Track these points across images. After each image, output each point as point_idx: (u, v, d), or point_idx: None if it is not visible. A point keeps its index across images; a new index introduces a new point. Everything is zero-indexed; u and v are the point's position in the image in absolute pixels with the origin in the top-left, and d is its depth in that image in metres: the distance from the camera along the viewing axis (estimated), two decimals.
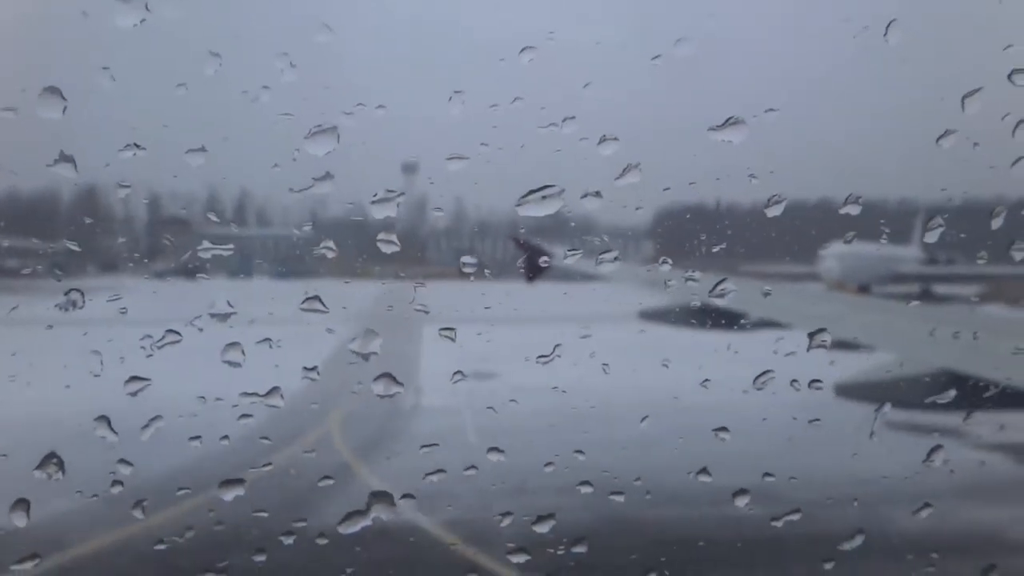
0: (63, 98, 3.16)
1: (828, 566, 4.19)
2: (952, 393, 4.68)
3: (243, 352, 3.70)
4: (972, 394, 5.09)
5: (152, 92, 3.75)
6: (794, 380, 4.66)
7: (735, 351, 6.15)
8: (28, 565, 3.52)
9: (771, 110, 3.94)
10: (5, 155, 3.53)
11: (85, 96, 3.25)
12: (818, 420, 5.34)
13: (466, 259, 4.05)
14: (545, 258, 5.37)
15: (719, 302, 4.40)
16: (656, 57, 3.90)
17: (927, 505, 4.35)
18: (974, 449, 10.98)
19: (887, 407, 4.64)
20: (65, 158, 3.29)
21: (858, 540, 4.06)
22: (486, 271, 4.38)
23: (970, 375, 5.76)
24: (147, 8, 3.12)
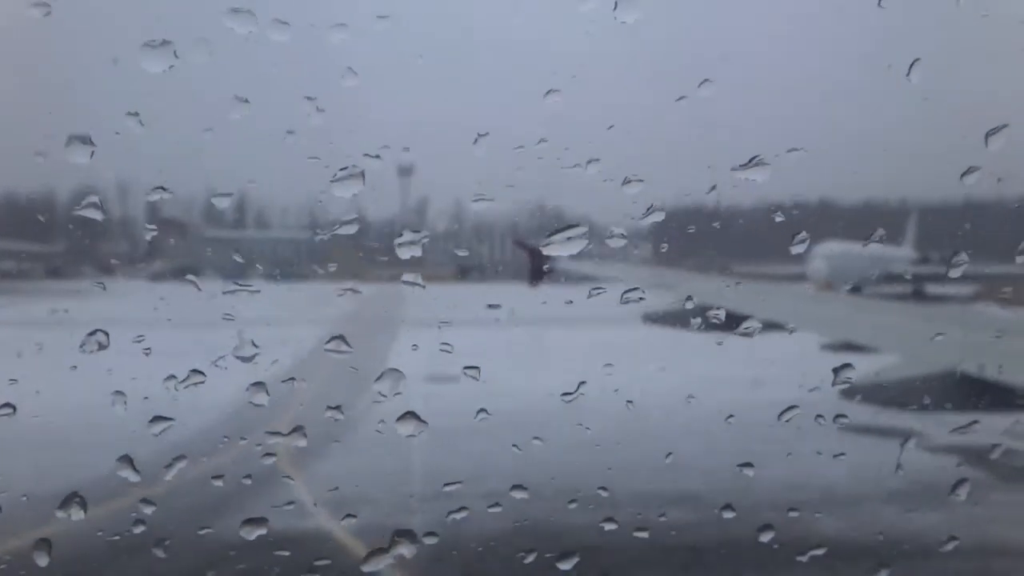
0: (91, 143, 3.18)
1: None
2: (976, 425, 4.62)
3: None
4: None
5: (180, 136, 3.77)
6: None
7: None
8: None
9: (794, 149, 3.93)
10: (35, 198, 3.56)
11: (113, 140, 3.27)
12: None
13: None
14: (547, 260, 5.37)
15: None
16: (680, 98, 3.91)
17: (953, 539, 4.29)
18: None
19: (912, 441, 4.57)
20: (92, 204, 3.31)
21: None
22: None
23: (978, 377, 5.71)
24: (175, 55, 3.15)
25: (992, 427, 4.93)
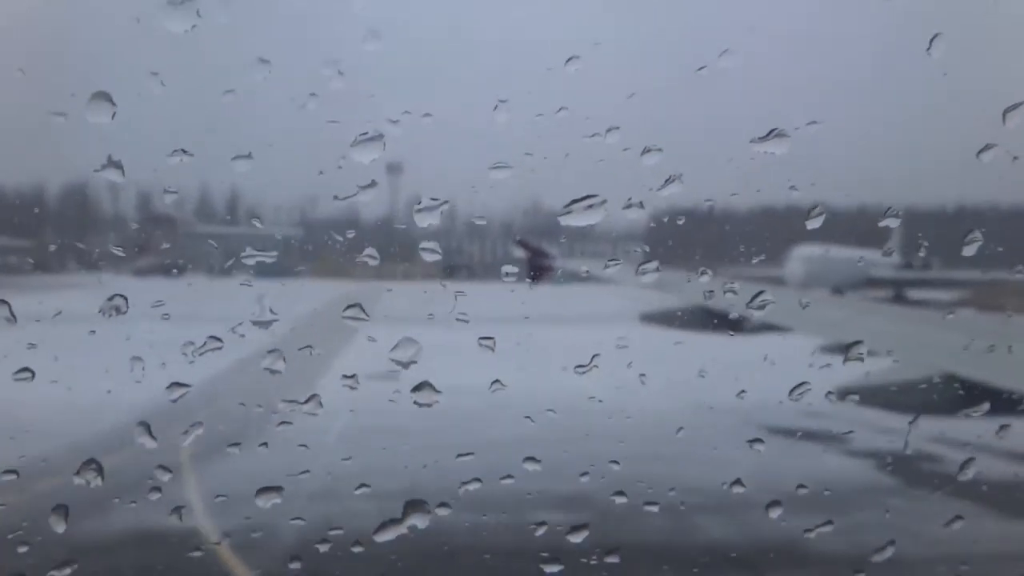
0: (112, 103, 3.16)
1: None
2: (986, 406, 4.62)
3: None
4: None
5: (201, 98, 3.75)
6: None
7: None
8: (66, 571, 3.52)
9: (813, 123, 3.90)
10: (54, 159, 3.55)
11: (134, 101, 3.26)
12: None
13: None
14: (548, 260, 5.34)
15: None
16: (701, 68, 3.88)
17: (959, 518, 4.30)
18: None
19: (919, 419, 4.57)
20: (113, 163, 3.30)
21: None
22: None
23: (972, 380, 5.71)
24: (198, 14, 3.13)
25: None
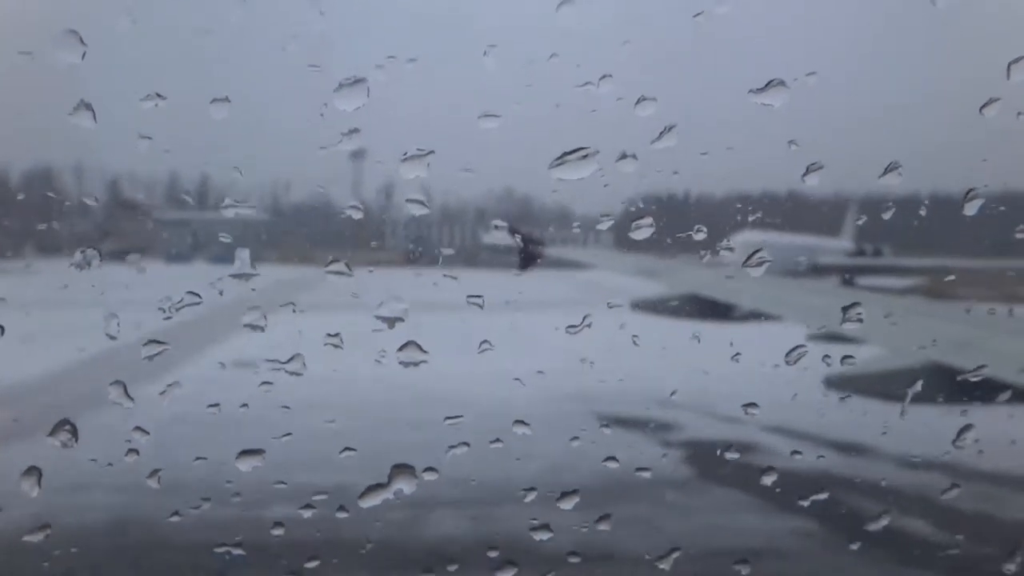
0: (83, 43, 3.02)
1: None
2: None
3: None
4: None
5: (176, 38, 3.60)
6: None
7: None
8: (39, 536, 3.45)
9: (812, 73, 3.79)
10: (22, 101, 3.41)
11: (106, 41, 3.11)
12: None
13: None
14: (538, 247, 5.24)
15: None
16: (698, 15, 3.75)
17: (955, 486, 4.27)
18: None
19: (918, 386, 4.52)
20: (84, 106, 3.15)
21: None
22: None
23: (958, 367, 5.71)
24: None
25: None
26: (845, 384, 5.52)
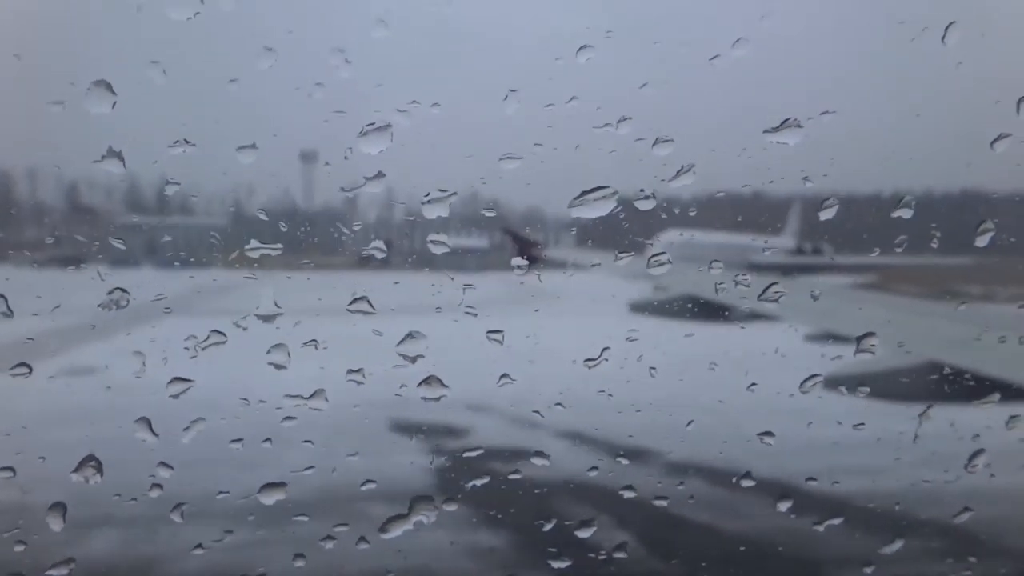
0: (112, 92, 3.09)
1: None
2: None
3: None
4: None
5: (204, 87, 3.67)
6: None
7: None
8: (63, 570, 3.47)
9: (827, 112, 3.84)
10: (52, 149, 3.47)
11: (135, 90, 3.18)
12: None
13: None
14: (537, 250, 5.25)
15: None
16: (714, 58, 3.81)
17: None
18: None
19: (930, 410, 4.51)
20: (113, 154, 3.22)
21: None
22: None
23: (958, 366, 5.70)
24: (201, 1, 3.05)
25: None
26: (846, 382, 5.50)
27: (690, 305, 6.62)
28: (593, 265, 4.81)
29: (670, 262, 4.18)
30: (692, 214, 4.25)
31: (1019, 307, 4.67)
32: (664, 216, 4.17)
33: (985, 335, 5.67)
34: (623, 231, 4.09)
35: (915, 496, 5.95)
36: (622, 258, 4.24)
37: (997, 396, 4.34)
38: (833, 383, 4.64)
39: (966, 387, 5.14)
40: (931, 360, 6.17)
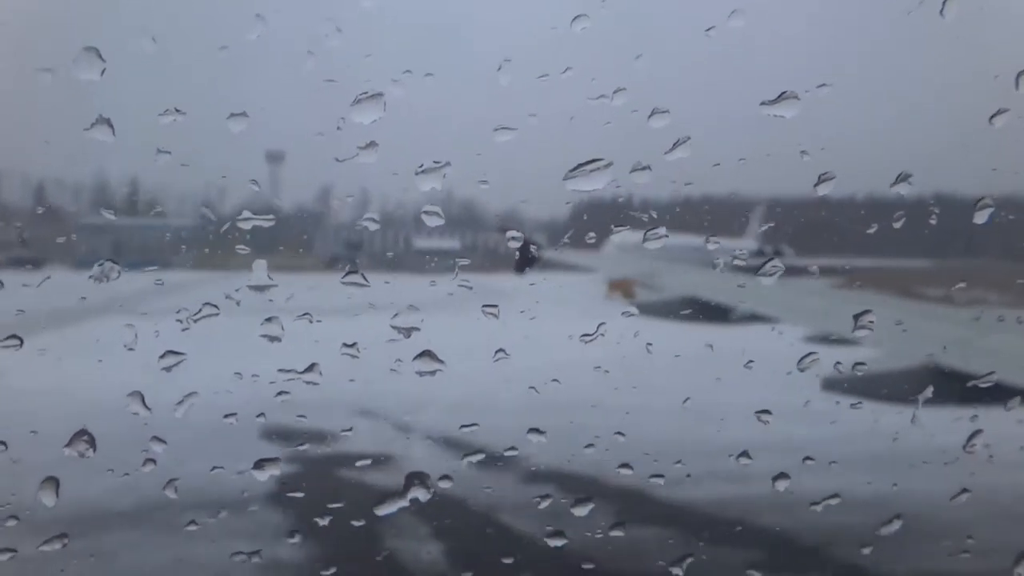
0: (102, 59, 3.05)
1: None
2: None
3: None
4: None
5: (194, 55, 3.63)
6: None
7: None
8: (56, 545, 3.45)
9: (824, 85, 3.81)
10: (41, 117, 3.44)
11: (125, 58, 3.14)
12: None
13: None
14: (534, 248, 5.22)
15: None
16: (710, 29, 3.77)
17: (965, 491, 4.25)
18: None
19: (929, 392, 4.50)
20: (102, 120, 3.18)
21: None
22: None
23: (955, 369, 5.71)
24: None
25: None
26: (844, 386, 5.51)
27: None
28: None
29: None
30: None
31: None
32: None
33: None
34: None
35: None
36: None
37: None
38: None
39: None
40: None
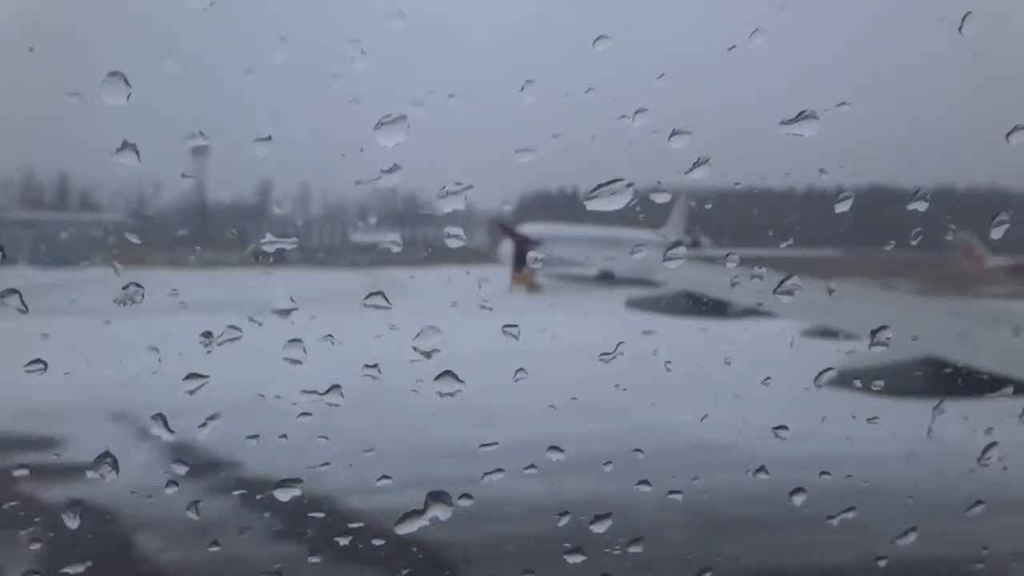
0: (127, 84, 3.06)
1: None
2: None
3: None
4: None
5: (219, 78, 3.65)
6: None
7: None
8: (80, 568, 3.45)
9: (843, 104, 3.80)
10: (67, 141, 3.45)
11: (150, 82, 3.15)
12: None
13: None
14: (532, 246, 5.21)
15: None
16: (731, 48, 3.77)
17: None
18: None
19: (944, 405, 4.47)
20: (128, 146, 3.19)
21: None
22: None
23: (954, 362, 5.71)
24: None
25: None
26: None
27: None
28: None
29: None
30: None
31: None
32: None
33: None
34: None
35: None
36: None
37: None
38: None
39: None
40: None
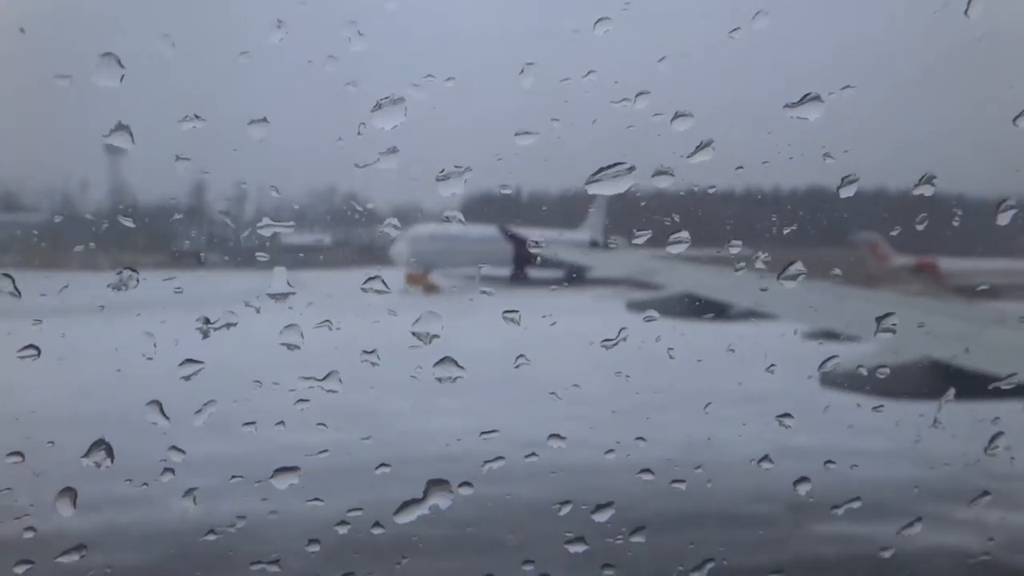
0: (121, 66, 3.02)
1: None
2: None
3: None
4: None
5: (214, 60, 3.60)
6: None
7: None
8: (75, 556, 3.43)
9: (848, 87, 3.76)
10: (60, 124, 3.41)
11: (144, 64, 3.11)
12: None
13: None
14: (534, 249, 5.17)
15: None
16: (734, 30, 3.73)
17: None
18: None
19: (951, 395, 4.45)
20: (122, 128, 3.15)
21: None
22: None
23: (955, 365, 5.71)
24: None
25: None
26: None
27: None
28: None
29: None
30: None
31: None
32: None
33: None
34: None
35: None
36: None
37: None
38: None
39: None
40: None
